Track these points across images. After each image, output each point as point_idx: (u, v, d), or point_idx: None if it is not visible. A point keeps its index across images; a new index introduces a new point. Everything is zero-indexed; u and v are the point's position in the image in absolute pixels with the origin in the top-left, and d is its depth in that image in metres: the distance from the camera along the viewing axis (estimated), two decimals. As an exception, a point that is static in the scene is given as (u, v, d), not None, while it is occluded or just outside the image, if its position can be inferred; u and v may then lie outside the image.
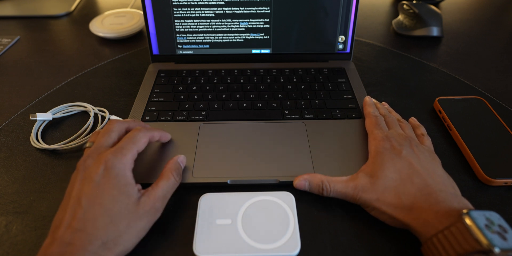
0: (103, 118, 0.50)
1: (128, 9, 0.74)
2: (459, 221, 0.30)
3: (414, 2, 0.73)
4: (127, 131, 0.39)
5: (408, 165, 0.37)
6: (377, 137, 0.41)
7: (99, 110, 0.51)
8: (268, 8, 0.54)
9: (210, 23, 0.55)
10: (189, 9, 0.54)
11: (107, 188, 0.32)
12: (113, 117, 0.49)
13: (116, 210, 0.32)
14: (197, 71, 0.56)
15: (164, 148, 0.43)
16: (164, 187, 0.35)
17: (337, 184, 0.37)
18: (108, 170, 0.33)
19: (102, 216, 0.31)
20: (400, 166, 0.37)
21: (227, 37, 0.56)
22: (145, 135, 0.37)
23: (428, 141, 0.43)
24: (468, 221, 0.29)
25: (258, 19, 0.55)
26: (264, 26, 0.55)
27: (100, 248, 0.30)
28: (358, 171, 0.39)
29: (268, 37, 0.56)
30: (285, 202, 0.37)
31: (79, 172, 0.34)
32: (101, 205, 0.31)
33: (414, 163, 0.37)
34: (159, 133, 0.40)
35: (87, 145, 0.37)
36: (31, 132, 0.48)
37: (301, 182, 0.38)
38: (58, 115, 0.50)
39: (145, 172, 0.40)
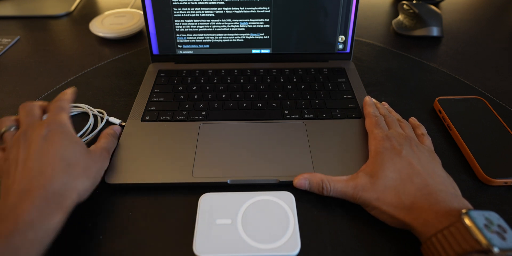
0: (102, 119, 0.50)
1: (128, 9, 0.74)
2: (458, 221, 0.30)
3: (414, 2, 0.73)
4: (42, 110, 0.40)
5: (408, 164, 0.37)
6: (377, 137, 0.41)
7: (98, 112, 0.51)
8: (268, 8, 0.54)
9: (210, 23, 0.55)
10: (189, 9, 0.54)
11: (56, 141, 0.34)
12: (112, 119, 0.49)
13: (71, 155, 0.34)
14: (197, 71, 0.56)
15: (163, 147, 0.43)
16: (106, 142, 0.40)
17: (337, 183, 0.37)
18: (52, 130, 0.35)
19: (59, 161, 0.33)
20: (400, 165, 0.37)
21: (227, 37, 0.56)
22: (68, 101, 0.40)
23: (428, 141, 0.43)
24: (467, 221, 0.29)
25: (258, 19, 0.55)
26: (264, 26, 0.55)
27: (52, 196, 0.31)
28: (358, 170, 0.39)
29: (268, 37, 0.56)
30: (285, 202, 0.37)
31: (19, 142, 0.34)
32: (55, 154, 0.33)
33: (414, 163, 0.37)
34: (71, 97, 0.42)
35: (3, 129, 0.38)
36: None
37: (301, 181, 0.38)
38: None
39: (144, 171, 0.40)
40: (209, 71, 0.56)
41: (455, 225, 0.30)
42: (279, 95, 0.51)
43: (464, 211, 0.30)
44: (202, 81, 0.54)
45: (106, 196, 0.39)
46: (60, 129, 0.36)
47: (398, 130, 0.42)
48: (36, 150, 0.33)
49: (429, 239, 0.31)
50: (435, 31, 0.67)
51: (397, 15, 0.75)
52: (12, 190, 0.31)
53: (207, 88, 0.53)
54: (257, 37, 0.56)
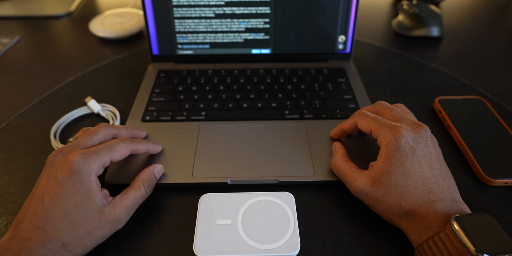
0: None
1: (128, 9, 0.74)
2: (447, 227, 0.29)
3: (414, 2, 0.73)
4: (113, 138, 0.38)
5: (419, 168, 0.33)
6: (387, 136, 0.35)
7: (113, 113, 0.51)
8: (268, 8, 0.54)
9: (210, 23, 0.55)
10: (189, 9, 0.54)
11: (70, 192, 0.31)
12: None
13: (77, 216, 0.31)
14: (197, 71, 0.56)
15: (163, 148, 0.43)
16: (133, 198, 0.35)
17: (347, 176, 0.37)
18: (72, 173, 0.32)
19: (63, 219, 0.31)
20: (409, 170, 0.33)
21: (227, 37, 0.56)
22: (127, 147, 0.36)
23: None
24: (456, 226, 0.28)
25: (258, 19, 0.55)
26: (264, 26, 0.55)
27: (59, 248, 0.30)
28: (369, 167, 0.36)
29: (268, 37, 0.56)
30: (285, 202, 0.37)
31: (47, 167, 0.33)
32: (62, 208, 0.31)
33: (425, 164, 0.33)
34: (146, 146, 0.40)
35: (70, 139, 0.37)
36: (50, 128, 0.48)
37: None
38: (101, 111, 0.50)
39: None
40: (209, 71, 0.56)
41: (444, 231, 0.29)
42: (279, 95, 0.51)
43: (454, 216, 0.29)
44: (202, 81, 0.54)
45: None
46: (79, 176, 0.32)
47: (406, 120, 0.36)
48: (50, 192, 0.31)
49: (420, 245, 0.31)
50: (435, 31, 0.67)
51: (397, 15, 0.75)
52: (18, 231, 0.30)
53: (207, 88, 0.53)
54: (257, 37, 0.56)
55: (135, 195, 0.35)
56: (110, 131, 0.38)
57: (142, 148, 0.39)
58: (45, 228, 0.30)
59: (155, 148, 0.41)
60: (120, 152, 0.36)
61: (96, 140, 0.36)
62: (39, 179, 0.33)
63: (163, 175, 0.40)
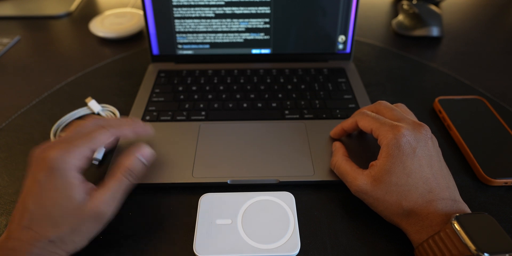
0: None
1: (128, 9, 0.74)
2: (448, 226, 0.29)
3: (414, 2, 0.73)
4: None
5: (419, 167, 0.33)
6: (388, 135, 0.34)
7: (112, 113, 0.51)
8: (268, 8, 0.54)
9: (210, 23, 0.55)
10: (189, 9, 0.54)
11: (49, 190, 0.31)
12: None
13: (58, 213, 0.31)
14: (197, 71, 0.56)
15: (163, 147, 0.43)
16: (113, 190, 0.32)
17: (347, 175, 0.37)
18: (51, 170, 0.31)
19: (45, 218, 0.31)
20: (409, 169, 0.33)
21: (227, 37, 0.56)
22: (107, 133, 0.34)
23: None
24: (456, 225, 0.28)
25: (258, 19, 0.55)
26: (264, 26, 0.55)
27: (48, 245, 0.30)
28: (369, 166, 0.36)
29: (268, 37, 0.56)
30: (285, 202, 0.37)
31: (32, 165, 0.32)
32: (44, 207, 0.31)
33: (425, 164, 0.33)
34: (133, 129, 0.37)
35: (62, 134, 0.36)
36: (50, 128, 0.48)
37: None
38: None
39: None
40: (209, 71, 0.56)
41: (444, 230, 0.29)
42: (279, 95, 0.51)
43: (454, 215, 0.29)
44: (202, 81, 0.54)
45: (106, 196, 0.39)
46: (58, 173, 0.31)
47: (407, 119, 0.36)
48: (32, 193, 0.31)
49: (421, 245, 0.31)
50: (435, 31, 0.67)
51: (397, 15, 0.75)
52: (10, 231, 0.31)
53: (207, 88, 0.53)
54: (257, 37, 0.56)
55: (115, 186, 0.33)
56: (98, 122, 0.36)
57: (128, 131, 0.37)
58: (31, 227, 0.30)
59: (145, 130, 0.39)
60: (99, 139, 0.33)
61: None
62: (25, 179, 0.33)
63: (163, 175, 0.40)
